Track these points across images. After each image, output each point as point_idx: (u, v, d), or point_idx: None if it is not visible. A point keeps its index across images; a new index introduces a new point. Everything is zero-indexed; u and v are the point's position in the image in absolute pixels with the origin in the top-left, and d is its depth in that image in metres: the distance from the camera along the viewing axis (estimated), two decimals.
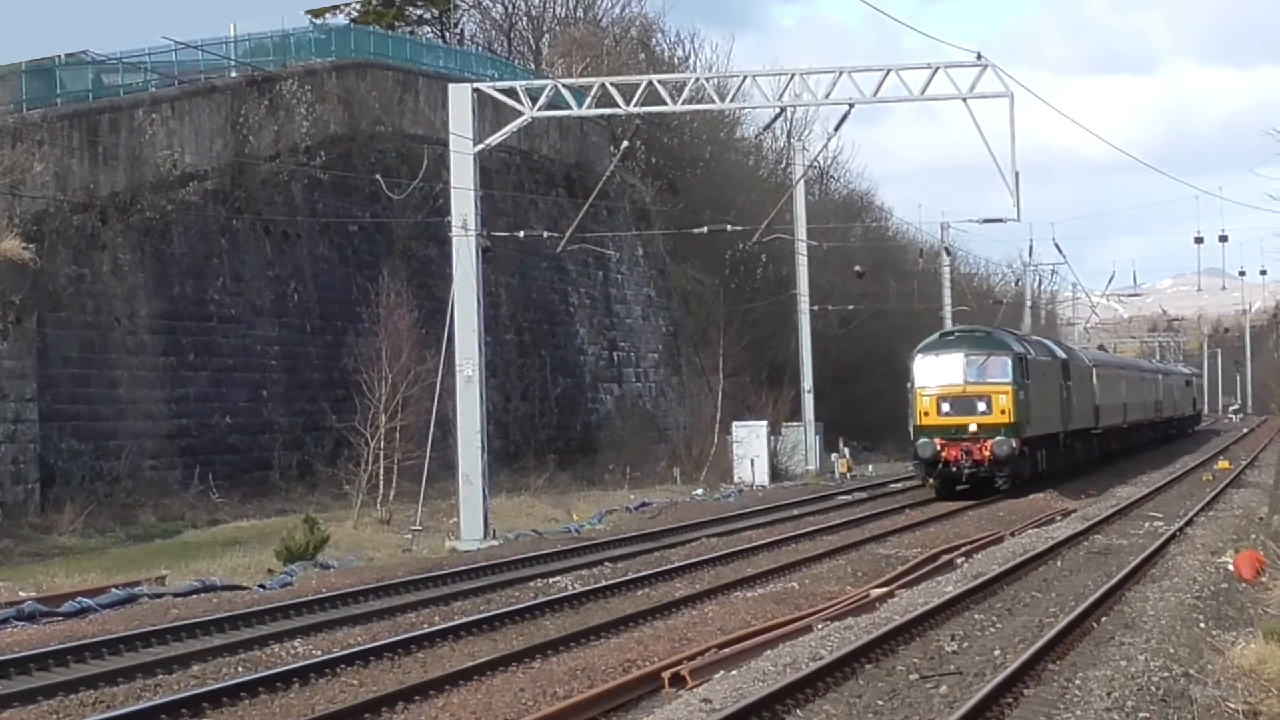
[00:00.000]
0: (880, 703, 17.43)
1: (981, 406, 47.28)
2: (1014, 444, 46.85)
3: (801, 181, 66.35)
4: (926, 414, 47.62)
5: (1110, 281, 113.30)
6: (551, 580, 29.43)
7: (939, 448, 46.99)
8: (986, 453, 46.69)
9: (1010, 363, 48.06)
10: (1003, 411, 47.21)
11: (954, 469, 47.27)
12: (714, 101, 45.94)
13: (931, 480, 48.11)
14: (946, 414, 47.37)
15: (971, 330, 52.03)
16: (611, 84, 39.42)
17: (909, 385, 48.89)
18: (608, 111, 43.37)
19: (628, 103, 38.94)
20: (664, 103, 40.15)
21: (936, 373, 47.91)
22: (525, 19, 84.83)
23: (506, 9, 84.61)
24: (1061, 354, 57.74)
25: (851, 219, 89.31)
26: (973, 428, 46.99)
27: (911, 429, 48.85)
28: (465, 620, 24.01)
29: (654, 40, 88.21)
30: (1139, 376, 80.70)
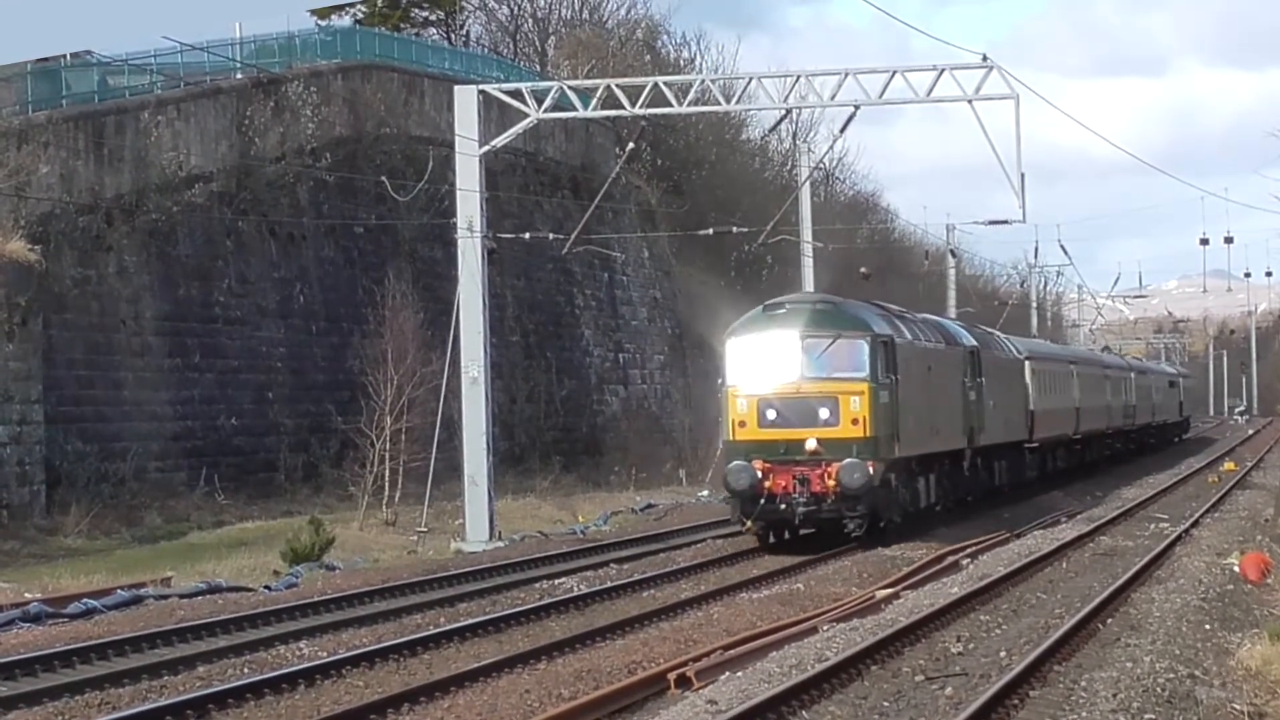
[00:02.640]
0: (886, 704, 17.42)
1: (824, 413, 32.92)
2: (871, 469, 32.54)
3: (807, 183, 66.25)
4: (743, 424, 33.26)
5: (1115, 283, 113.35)
6: (557, 582, 29.42)
7: (760, 475, 32.52)
8: (830, 482, 32.46)
9: (868, 348, 33.61)
10: (855, 421, 32.84)
11: (782, 506, 32.74)
12: (719, 103, 45.96)
13: (750, 524, 33.44)
14: (772, 424, 33.06)
15: (810, 301, 35.86)
16: (617, 86, 39.44)
17: (719, 382, 34.89)
18: (613, 113, 43.39)
19: (633, 104, 38.94)
20: (669, 104, 40.12)
21: (758, 363, 33.49)
22: (531, 21, 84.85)
23: (512, 11, 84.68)
24: (968, 340, 43.16)
25: (857, 221, 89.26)
26: (810, 445, 32.70)
27: (722, 446, 35.13)
28: (471, 622, 24.01)
29: (659, 42, 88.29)
30: (1100, 374, 65.77)
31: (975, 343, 43.54)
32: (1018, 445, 48.23)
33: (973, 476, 42.35)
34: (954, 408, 39.96)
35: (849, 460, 32.47)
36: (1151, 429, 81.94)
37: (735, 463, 32.94)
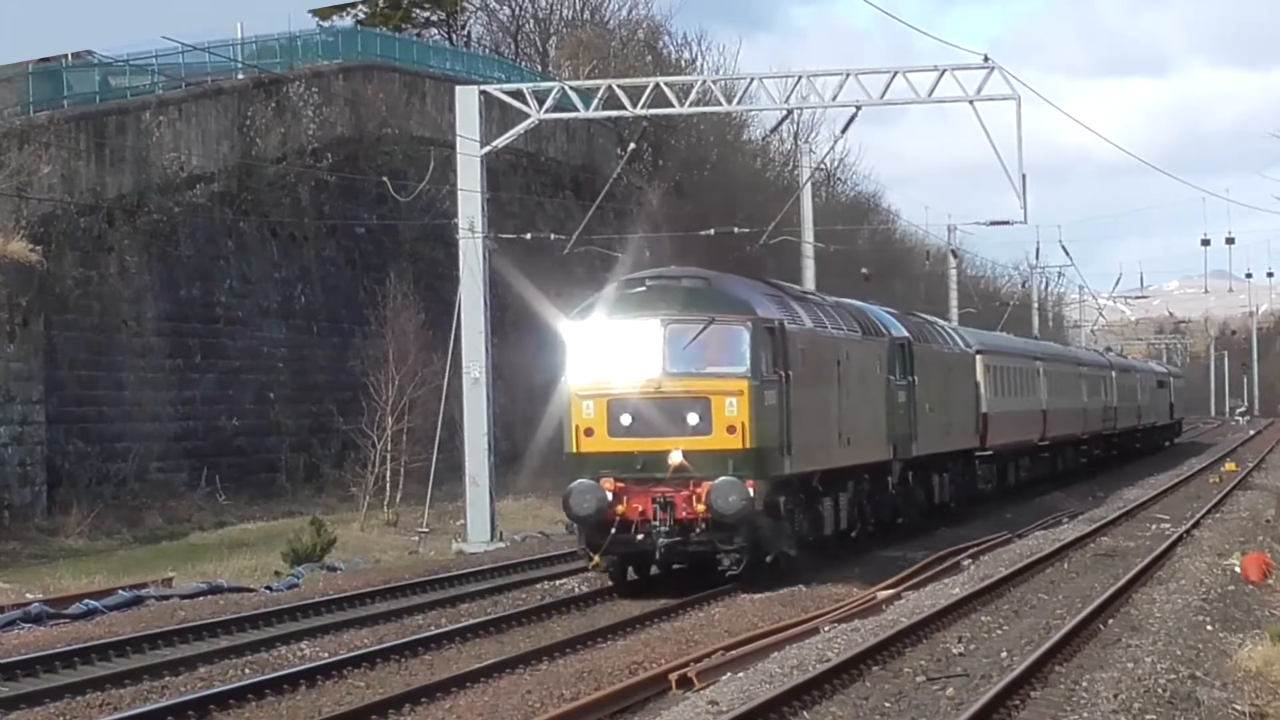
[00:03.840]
0: (887, 705, 17.42)
1: (692, 419, 26.16)
2: (751, 490, 25.80)
3: (808, 184, 66.28)
4: (589, 433, 26.61)
5: (1117, 283, 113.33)
6: (558, 582, 29.36)
7: (610, 497, 25.97)
8: (699, 506, 25.77)
9: (749, 336, 26.61)
10: (731, 428, 26.10)
11: (639, 537, 26.07)
12: (721, 104, 45.97)
13: (598, 559, 26.58)
14: (627, 433, 26.39)
15: (677, 276, 28.13)
16: (618, 86, 39.42)
17: (562, 380, 27.85)
18: (615, 114, 43.34)
19: (634, 105, 38.91)
20: (671, 105, 40.15)
21: (609, 356, 26.84)
22: (532, 21, 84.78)
23: (513, 11, 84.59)
24: (897, 329, 36.30)
25: (858, 221, 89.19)
26: (675, 458, 25.96)
27: (566, 459, 27.44)
28: (472, 622, 24.00)
29: (661, 43, 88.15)
30: (1073, 372, 59.15)
31: (906, 333, 36.77)
32: (967, 455, 42.30)
33: (903, 494, 35.95)
34: (874, 411, 33.19)
35: (723, 479, 25.69)
36: (1136, 433, 75.24)
37: (580, 481, 26.18)
